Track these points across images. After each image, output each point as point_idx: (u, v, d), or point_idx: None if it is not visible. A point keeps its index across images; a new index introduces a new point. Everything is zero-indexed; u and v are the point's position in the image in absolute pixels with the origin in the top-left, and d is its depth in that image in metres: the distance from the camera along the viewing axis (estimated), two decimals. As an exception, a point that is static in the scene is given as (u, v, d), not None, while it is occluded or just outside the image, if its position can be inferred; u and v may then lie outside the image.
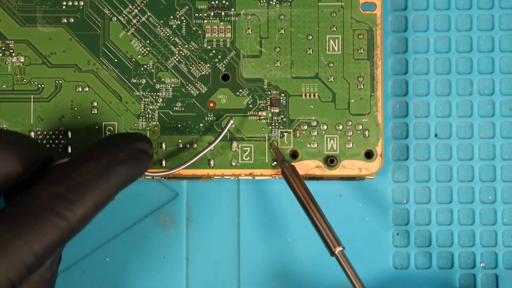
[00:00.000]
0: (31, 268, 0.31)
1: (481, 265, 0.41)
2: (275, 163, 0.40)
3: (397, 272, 0.41)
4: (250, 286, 0.41)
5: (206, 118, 0.40)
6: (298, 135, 0.40)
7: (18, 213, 0.32)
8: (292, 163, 0.39)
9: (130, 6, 0.40)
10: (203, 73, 0.40)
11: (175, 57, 0.40)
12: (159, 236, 0.41)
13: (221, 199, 0.41)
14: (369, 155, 0.40)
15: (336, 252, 0.37)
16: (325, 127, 0.40)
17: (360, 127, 0.40)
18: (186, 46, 0.40)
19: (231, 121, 0.39)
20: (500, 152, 0.41)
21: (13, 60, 0.40)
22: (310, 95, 0.40)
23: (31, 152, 0.34)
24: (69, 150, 0.39)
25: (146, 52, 0.40)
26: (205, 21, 0.40)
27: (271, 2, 0.40)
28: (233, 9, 0.40)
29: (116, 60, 0.40)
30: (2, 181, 0.33)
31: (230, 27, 0.40)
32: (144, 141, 0.35)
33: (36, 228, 0.31)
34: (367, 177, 0.40)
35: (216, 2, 0.40)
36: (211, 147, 0.39)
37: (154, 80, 0.40)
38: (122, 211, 0.41)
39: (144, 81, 0.40)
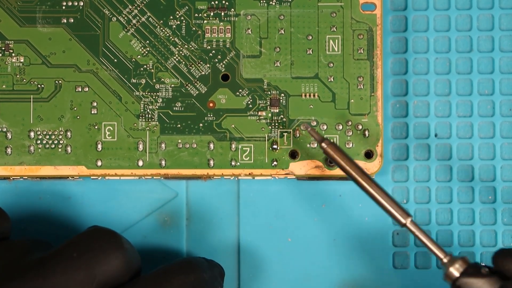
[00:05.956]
0: None
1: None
2: (275, 163, 0.40)
3: (397, 272, 0.41)
4: (250, 286, 0.41)
5: (205, 118, 0.40)
6: (298, 135, 0.40)
7: None
8: (291, 163, 0.39)
9: (130, 7, 0.40)
10: (203, 73, 0.40)
11: (174, 57, 0.40)
12: (159, 236, 0.41)
13: (221, 199, 0.41)
14: (369, 155, 0.40)
15: (407, 224, 0.37)
16: (325, 127, 0.40)
17: (360, 127, 0.40)
18: (186, 46, 0.40)
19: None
20: (500, 152, 0.41)
21: (13, 60, 0.40)
22: (310, 95, 0.40)
23: None
24: (69, 150, 0.39)
25: (146, 52, 0.40)
26: (205, 21, 0.40)
27: (271, 2, 0.40)
28: (232, 9, 0.40)
29: (116, 60, 0.40)
30: None
31: (230, 27, 0.40)
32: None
33: None
34: (367, 177, 0.40)
35: (216, 2, 0.40)
36: None
37: (154, 80, 0.40)
38: (122, 211, 0.41)
39: (144, 81, 0.40)
